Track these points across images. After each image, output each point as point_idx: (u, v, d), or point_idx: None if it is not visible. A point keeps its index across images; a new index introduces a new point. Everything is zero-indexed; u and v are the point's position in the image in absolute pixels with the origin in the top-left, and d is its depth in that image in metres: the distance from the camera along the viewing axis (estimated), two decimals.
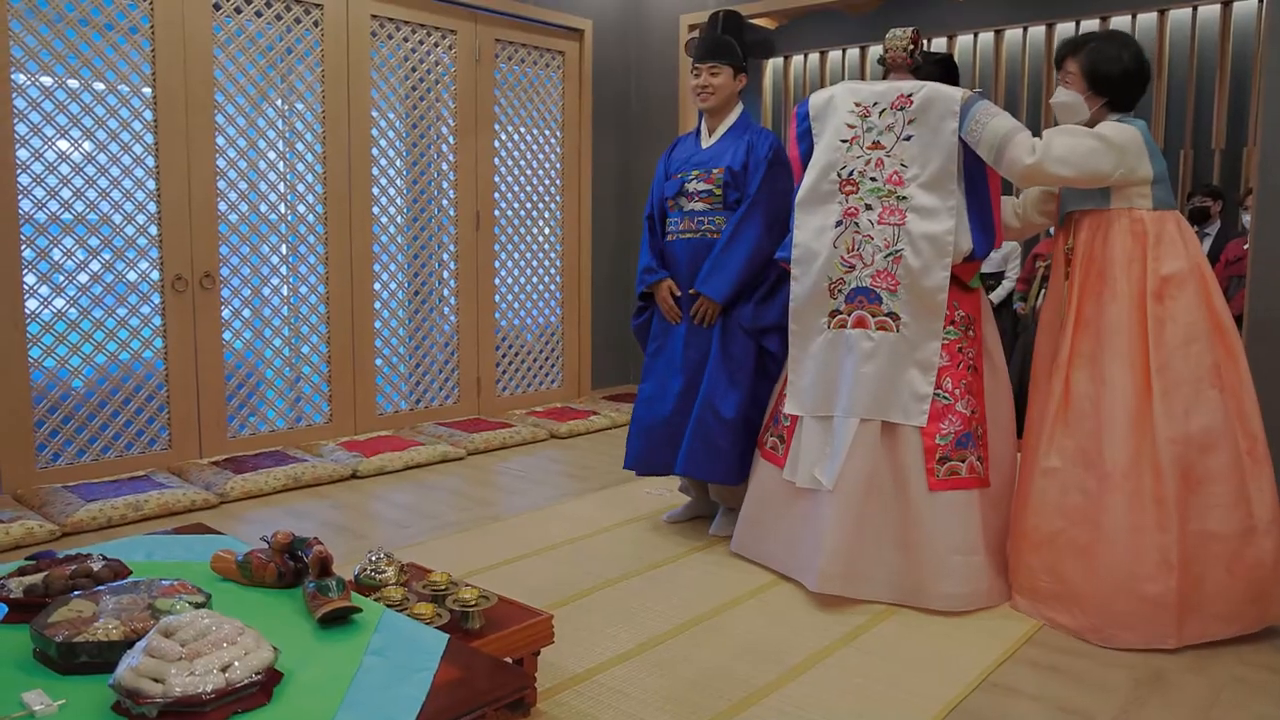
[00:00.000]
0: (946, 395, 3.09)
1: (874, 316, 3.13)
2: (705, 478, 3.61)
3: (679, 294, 3.69)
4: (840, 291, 3.19)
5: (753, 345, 3.59)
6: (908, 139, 3.12)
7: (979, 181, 3.11)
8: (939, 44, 7.22)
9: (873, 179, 3.16)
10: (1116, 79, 2.89)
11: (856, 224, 3.17)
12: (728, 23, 3.63)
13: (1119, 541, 2.76)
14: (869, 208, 3.15)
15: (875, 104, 3.18)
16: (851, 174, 3.19)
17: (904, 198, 3.11)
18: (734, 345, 3.58)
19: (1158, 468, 2.74)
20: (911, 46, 3.33)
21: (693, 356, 3.65)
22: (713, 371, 3.56)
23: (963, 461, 3.06)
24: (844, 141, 3.21)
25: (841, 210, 3.20)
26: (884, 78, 3.42)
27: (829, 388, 3.20)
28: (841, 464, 3.06)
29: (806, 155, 3.32)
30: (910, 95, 3.13)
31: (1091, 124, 2.93)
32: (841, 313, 3.19)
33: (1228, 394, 2.79)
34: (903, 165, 3.13)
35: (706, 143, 3.68)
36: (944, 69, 3.43)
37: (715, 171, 3.60)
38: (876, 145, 3.16)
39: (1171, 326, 2.79)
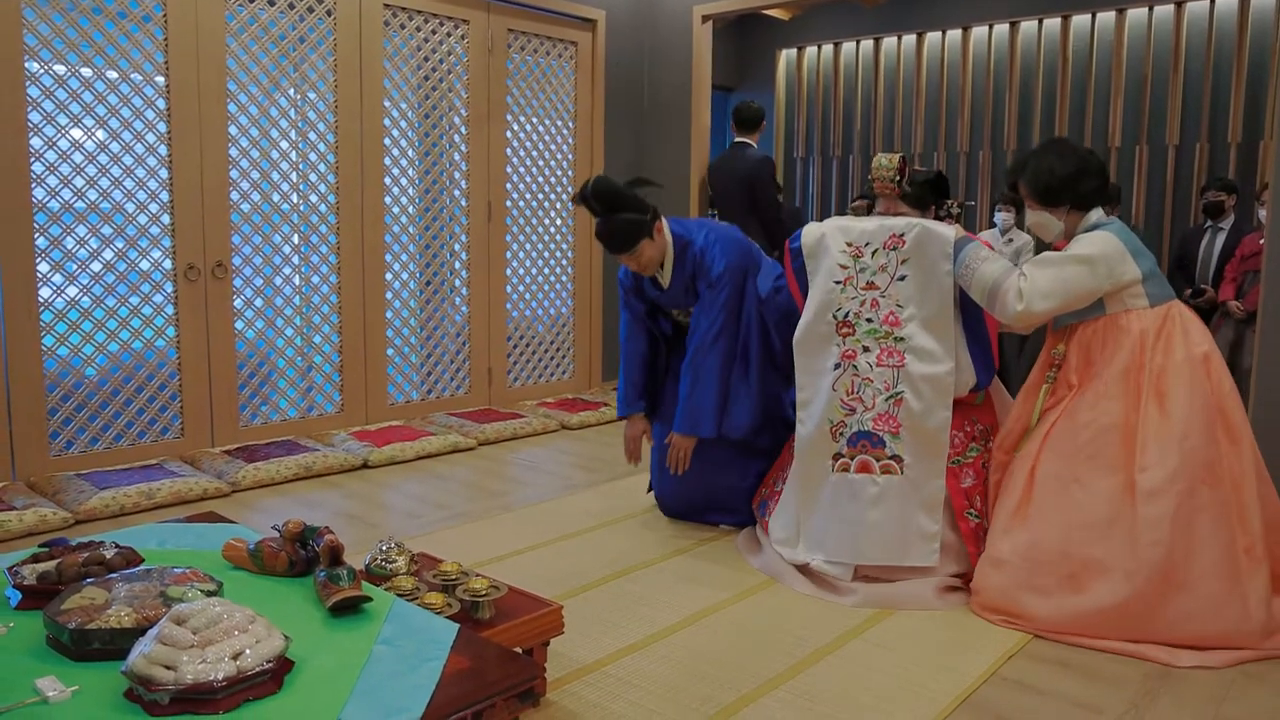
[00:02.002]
0: (977, 514, 3.11)
1: (878, 460, 3.11)
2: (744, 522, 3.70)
3: (648, 436, 3.74)
4: (842, 435, 3.18)
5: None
6: (902, 279, 3.11)
7: (974, 315, 3.11)
8: (953, 36, 7.18)
9: (869, 320, 3.15)
10: (1058, 187, 2.90)
11: (855, 366, 3.16)
12: (606, 202, 3.29)
13: (1084, 642, 2.73)
14: (866, 350, 3.14)
15: (867, 244, 3.16)
16: (847, 315, 3.17)
17: (902, 339, 3.10)
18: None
19: (1133, 572, 2.67)
20: (899, 177, 3.35)
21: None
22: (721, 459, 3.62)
23: None
24: (837, 283, 3.18)
25: (839, 353, 3.18)
26: (870, 207, 3.43)
27: (835, 531, 3.15)
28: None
29: (805, 290, 3.30)
30: (902, 235, 3.10)
31: (1068, 232, 2.96)
32: (844, 455, 3.17)
33: (1226, 490, 2.68)
34: (898, 306, 3.11)
35: (665, 281, 3.55)
36: (934, 188, 3.44)
37: (691, 309, 3.57)
38: (871, 285, 3.15)
39: (1164, 423, 2.71)
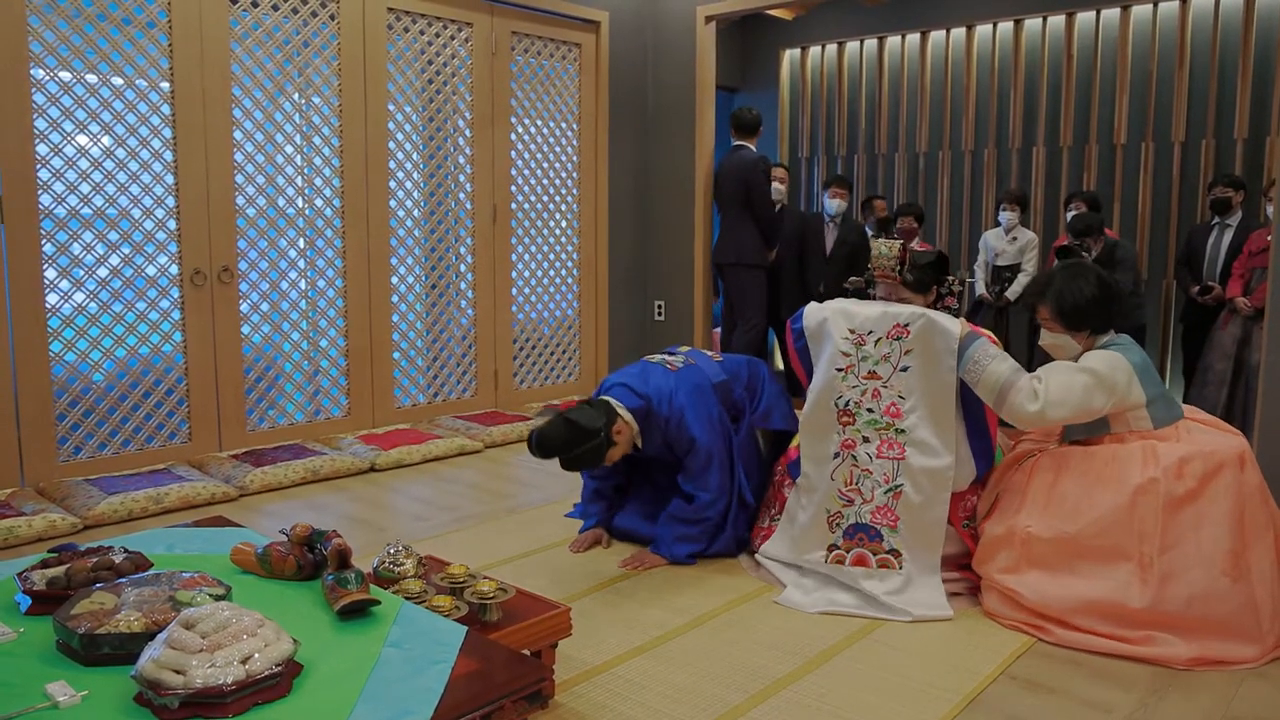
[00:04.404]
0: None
1: (875, 555, 3.06)
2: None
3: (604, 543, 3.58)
4: (839, 525, 3.12)
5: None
6: (904, 370, 3.07)
7: (975, 408, 3.07)
8: (957, 35, 7.17)
9: (869, 410, 3.11)
10: (1085, 309, 2.95)
11: (854, 457, 3.12)
12: (559, 451, 3.08)
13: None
14: (866, 440, 3.10)
15: (870, 332, 3.13)
16: (848, 404, 3.13)
17: (903, 430, 3.06)
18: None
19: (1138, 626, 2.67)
20: (899, 266, 3.35)
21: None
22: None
23: None
24: (839, 370, 3.15)
25: (839, 441, 3.15)
26: (868, 286, 3.44)
27: (828, 597, 3.07)
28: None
29: (809, 370, 3.29)
30: (907, 325, 3.07)
31: (1083, 353, 2.98)
32: (840, 548, 3.10)
33: (1243, 584, 2.66)
34: (900, 397, 3.08)
35: (641, 445, 3.36)
36: (935, 269, 3.44)
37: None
38: (872, 375, 3.11)
39: (1188, 509, 2.69)
